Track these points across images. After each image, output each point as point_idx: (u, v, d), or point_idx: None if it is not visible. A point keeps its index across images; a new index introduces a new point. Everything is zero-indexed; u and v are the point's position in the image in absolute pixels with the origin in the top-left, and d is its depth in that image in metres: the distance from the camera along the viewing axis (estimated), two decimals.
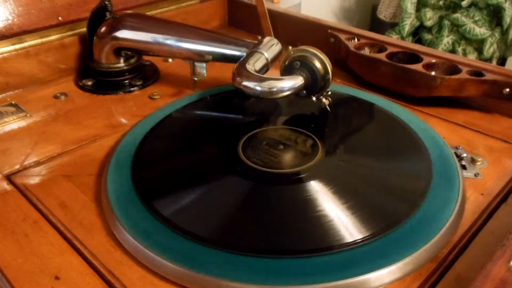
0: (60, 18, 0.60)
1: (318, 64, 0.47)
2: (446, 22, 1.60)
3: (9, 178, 0.42)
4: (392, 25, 1.77)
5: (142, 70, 0.62)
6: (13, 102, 0.55)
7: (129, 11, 0.61)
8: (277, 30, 0.62)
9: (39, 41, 0.59)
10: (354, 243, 0.33)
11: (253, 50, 0.50)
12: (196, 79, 0.57)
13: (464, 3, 1.56)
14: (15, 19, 0.56)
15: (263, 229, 0.35)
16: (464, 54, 1.62)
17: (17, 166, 0.44)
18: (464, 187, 0.39)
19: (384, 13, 1.91)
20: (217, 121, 0.52)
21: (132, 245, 0.34)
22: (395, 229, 0.34)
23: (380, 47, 0.60)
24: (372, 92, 0.57)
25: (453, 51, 1.60)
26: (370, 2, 2.07)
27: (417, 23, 1.67)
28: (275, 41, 0.53)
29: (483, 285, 0.27)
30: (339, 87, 0.58)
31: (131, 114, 0.53)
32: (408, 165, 0.42)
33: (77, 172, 0.43)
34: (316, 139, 0.45)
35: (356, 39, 0.63)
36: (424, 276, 0.32)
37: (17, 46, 0.57)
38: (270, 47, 0.51)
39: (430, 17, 1.63)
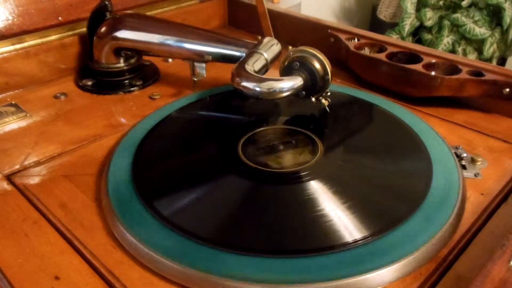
0: (60, 18, 0.60)
1: (317, 65, 0.47)
2: (446, 22, 1.60)
3: (9, 178, 0.42)
4: (392, 25, 1.77)
5: (142, 70, 0.62)
6: (13, 102, 0.55)
7: (129, 11, 0.61)
8: (277, 30, 0.62)
9: (39, 41, 0.59)
10: (354, 243, 0.33)
11: (252, 50, 0.50)
12: (195, 79, 0.57)
13: (464, 3, 1.56)
14: (15, 19, 0.56)
15: (263, 229, 0.35)
16: (464, 54, 1.62)
17: (17, 166, 0.44)
18: (464, 187, 0.39)
19: (384, 13, 1.91)
20: (217, 121, 0.52)
21: (132, 245, 0.34)
22: (395, 229, 0.34)
23: (380, 47, 0.60)
24: (372, 92, 0.57)
25: (453, 51, 1.60)
26: (370, 2, 2.07)
27: (417, 23, 1.67)
28: (275, 41, 0.53)
29: (483, 285, 0.27)
30: (339, 87, 0.58)
31: (131, 114, 0.53)
32: (408, 165, 0.42)
33: (77, 172, 0.43)
34: (316, 139, 0.45)
35: (356, 39, 0.63)
36: (424, 276, 0.32)
37: (17, 46, 0.57)
38: (270, 48, 0.51)
39: (430, 17, 1.63)
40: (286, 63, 0.49)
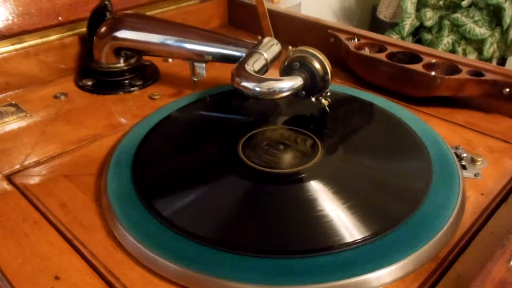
0: (60, 18, 0.60)
1: (317, 65, 0.47)
2: (446, 22, 1.60)
3: (9, 178, 0.42)
4: (392, 25, 1.77)
5: (142, 70, 0.62)
6: (13, 102, 0.55)
7: (129, 11, 0.61)
8: (277, 30, 0.62)
9: (39, 41, 0.59)
10: (354, 243, 0.33)
11: (252, 50, 0.50)
12: (195, 79, 0.57)
13: (464, 3, 1.56)
14: (15, 19, 0.56)
15: (263, 229, 0.35)
16: (464, 54, 1.62)
17: (17, 166, 0.44)
18: (464, 187, 0.39)
19: (384, 13, 1.91)
20: (217, 121, 0.52)
21: (132, 245, 0.34)
22: (395, 229, 0.34)
23: (380, 47, 0.60)
24: (372, 92, 0.57)
25: (453, 51, 1.60)
26: (370, 2, 2.07)
27: (417, 23, 1.67)
28: (275, 41, 0.53)
29: (483, 285, 0.27)
30: (339, 87, 0.58)
31: (131, 114, 0.53)
32: (408, 165, 0.42)
33: (77, 172, 0.43)
34: (316, 139, 0.45)
35: (356, 39, 0.63)
36: (424, 276, 0.32)
37: (17, 46, 0.57)
38: (270, 48, 0.51)
39: (430, 17, 1.63)
40: (286, 63, 0.49)
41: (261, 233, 0.35)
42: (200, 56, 0.55)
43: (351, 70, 0.61)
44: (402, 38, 1.67)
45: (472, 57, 1.60)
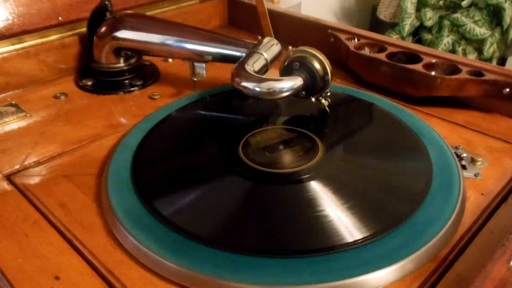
0: (60, 18, 0.60)
1: (317, 65, 0.47)
2: (446, 22, 1.60)
3: (9, 178, 0.42)
4: (392, 25, 1.77)
5: (142, 70, 0.62)
6: (13, 102, 0.55)
7: (129, 11, 0.61)
8: (277, 30, 0.62)
9: (39, 41, 0.59)
10: (354, 243, 0.33)
11: (252, 50, 0.50)
12: (195, 79, 0.57)
13: (464, 3, 1.56)
14: (15, 19, 0.56)
15: (263, 229, 0.35)
16: (464, 54, 1.62)
17: (17, 166, 0.44)
18: (464, 187, 0.39)
19: (384, 13, 1.91)
20: (217, 121, 0.52)
21: (132, 245, 0.34)
22: (395, 229, 0.34)
23: (380, 47, 0.60)
24: (372, 92, 0.57)
25: (453, 51, 1.60)
26: (370, 2, 2.07)
27: (417, 23, 1.67)
28: (275, 41, 0.53)
29: (483, 285, 0.27)
30: (339, 87, 0.58)
31: (131, 114, 0.53)
32: (408, 165, 0.42)
33: (77, 172, 0.43)
34: (316, 139, 0.45)
35: (356, 39, 0.63)
36: (424, 276, 0.32)
37: (17, 46, 0.57)
38: (270, 48, 0.51)
39: (430, 17, 1.63)
40: (286, 63, 0.49)
41: (261, 233, 0.35)
42: (200, 56, 0.55)
43: (351, 70, 0.61)
44: (402, 38, 1.67)
45: (472, 57, 1.61)
